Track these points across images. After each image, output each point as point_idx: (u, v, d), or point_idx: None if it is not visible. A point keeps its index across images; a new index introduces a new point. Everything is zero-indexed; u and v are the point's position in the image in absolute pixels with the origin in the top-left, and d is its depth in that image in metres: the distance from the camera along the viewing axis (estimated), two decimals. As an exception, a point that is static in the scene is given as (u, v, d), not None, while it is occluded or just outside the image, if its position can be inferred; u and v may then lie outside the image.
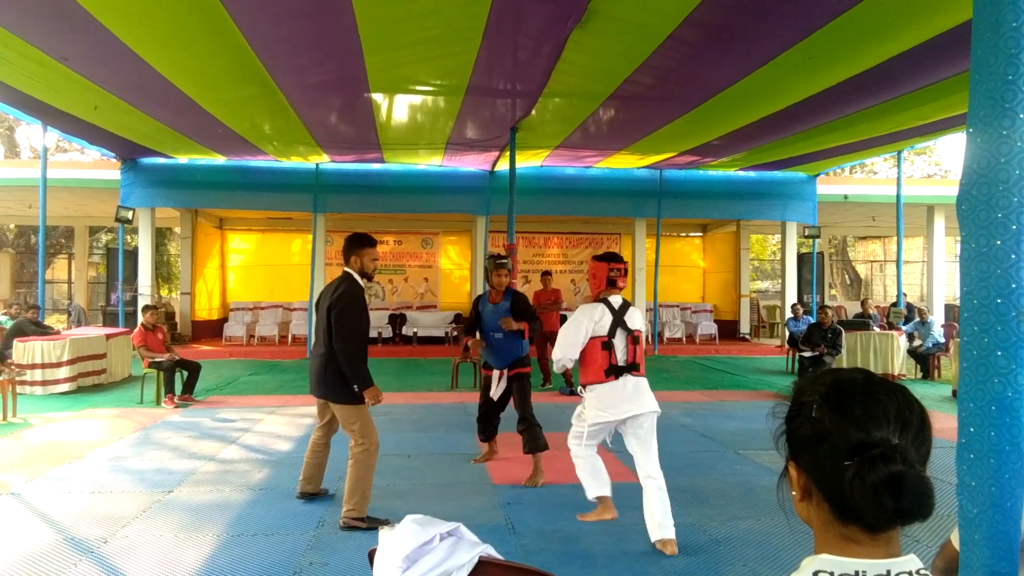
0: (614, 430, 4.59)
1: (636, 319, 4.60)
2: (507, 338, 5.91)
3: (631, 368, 4.47)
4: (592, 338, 4.46)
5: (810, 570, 0.97)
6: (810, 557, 0.99)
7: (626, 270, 4.65)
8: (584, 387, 4.55)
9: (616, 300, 4.58)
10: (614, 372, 4.42)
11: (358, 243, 4.82)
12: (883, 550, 0.97)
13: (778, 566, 4.04)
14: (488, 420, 6.18)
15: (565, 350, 4.50)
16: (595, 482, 4.64)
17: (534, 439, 5.70)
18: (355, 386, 4.59)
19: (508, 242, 11.14)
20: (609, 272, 4.53)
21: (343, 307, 4.62)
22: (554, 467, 6.15)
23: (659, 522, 4.25)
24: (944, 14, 6.16)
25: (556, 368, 4.72)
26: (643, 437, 4.40)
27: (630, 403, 4.40)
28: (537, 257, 19.36)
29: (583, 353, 4.49)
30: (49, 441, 7.15)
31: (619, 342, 4.48)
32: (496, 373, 5.97)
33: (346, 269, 4.82)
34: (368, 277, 4.83)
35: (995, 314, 1.70)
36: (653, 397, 4.50)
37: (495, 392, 5.94)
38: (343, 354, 4.57)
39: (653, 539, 4.26)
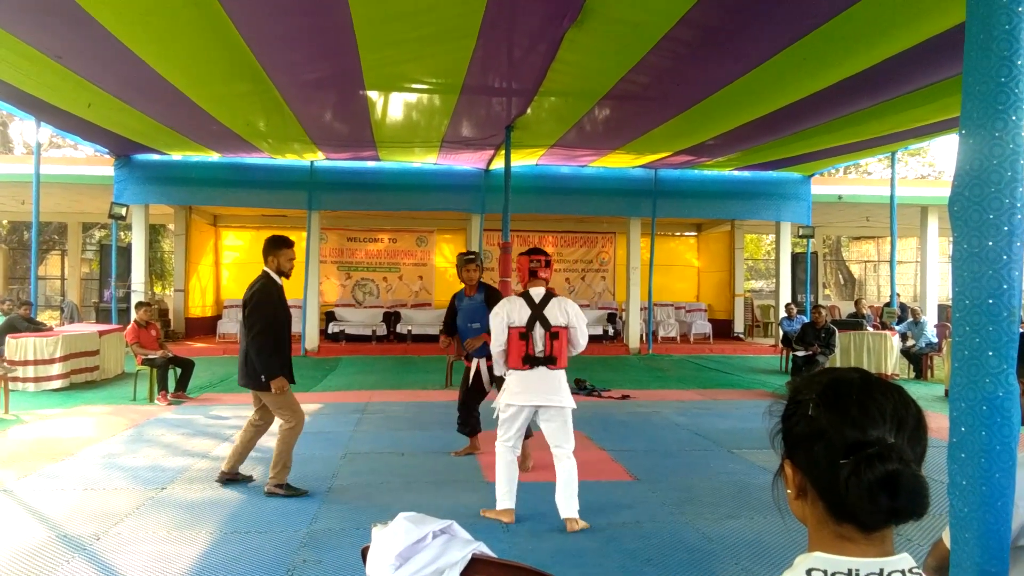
0: (529, 417, 4.77)
1: (557, 314, 4.72)
2: (483, 329, 6.03)
3: (547, 361, 4.66)
4: (511, 328, 4.68)
5: (803, 568, 0.97)
6: (804, 555, 1.00)
7: (547, 262, 4.91)
8: (507, 370, 4.80)
9: (538, 293, 4.76)
10: (529, 362, 4.64)
11: (275, 245, 5.38)
12: (877, 549, 0.97)
13: (771, 564, 4.06)
14: (469, 410, 6.46)
15: (495, 337, 4.79)
16: (508, 491, 4.74)
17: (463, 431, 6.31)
18: (262, 376, 5.04)
19: (503, 240, 11.14)
20: (530, 263, 4.80)
21: (255, 303, 5.13)
22: (547, 466, 6.15)
23: (564, 502, 4.58)
24: (937, 17, 6.17)
25: (493, 352, 4.90)
26: (554, 429, 4.68)
27: (540, 394, 4.64)
28: (532, 256, 19.35)
29: (508, 340, 4.72)
30: (42, 438, 7.13)
31: (537, 334, 4.67)
32: (475, 363, 6.33)
33: (264, 268, 5.34)
34: (284, 275, 5.37)
35: (987, 314, 1.72)
36: (568, 393, 4.72)
37: (483, 381, 6.29)
38: (252, 346, 5.05)
39: (563, 515, 4.58)
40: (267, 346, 5.06)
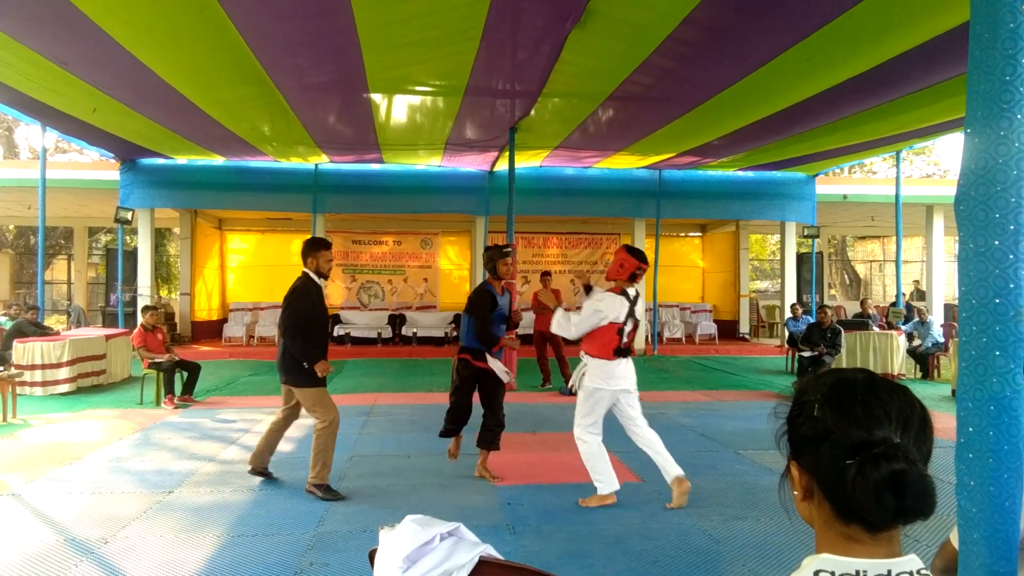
0: (612, 401, 5.15)
1: (641, 311, 5.25)
2: (505, 332, 6.00)
3: (629, 351, 5.19)
4: (610, 323, 5.06)
5: (811, 569, 0.97)
6: (811, 556, 1.00)
7: (645, 271, 5.30)
8: (589, 357, 5.12)
9: (632, 291, 5.21)
10: (619, 353, 5.08)
11: (314, 246, 5.49)
12: (884, 550, 0.97)
13: (778, 566, 4.05)
14: (460, 423, 5.96)
15: (575, 332, 5.12)
16: (607, 472, 5.11)
17: (497, 439, 5.84)
18: (304, 364, 5.21)
19: (508, 242, 11.15)
20: (636, 269, 5.17)
21: (292, 299, 5.31)
22: (554, 467, 6.16)
23: (670, 462, 5.05)
24: (942, 16, 6.16)
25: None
26: (634, 408, 5.18)
27: (623, 379, 5.11)
28: (536, 257, 19.36)
29: (602, 332, 5.06)
30: (49, 442, 7.15)
31: (627, 328, 5.13)
32: (492, 360, 5.73)
33: (304, 269, 5.46)
34: (323, 276, 5.48)
35: (993, 314, 1.71)
36: (635, 377, 5.26)
37: (507, 375, 5.83)
38: (289, 337, 5.22)
39: (671, 477, 5.05)
40: (301, 337, 5.21)
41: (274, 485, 5.67)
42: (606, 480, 5.09)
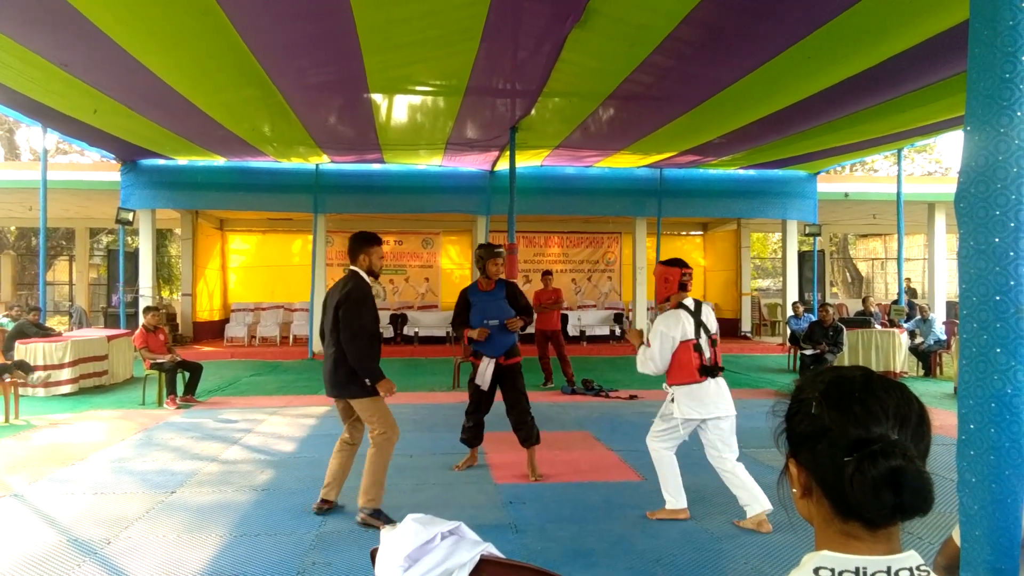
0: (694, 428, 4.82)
1: (712, 320, 4.85)
2: (501, 328, 5.84)
3: (718, 369, 4.73)
4: (683, 341, 4.67)
5: (811, 567, 0.98)
6: (811, 554, 1.00)
7: (691, 274, 4.93)
8: (673, 386, 4.74)
9: (690, 302, 4.82)
10: (705, 372, 4.66)
11: (366, 241, 4.82)
12: (884, 546, 0.97)
13: (780, 563, 4.05)
14: (478, 415, 6.05)
15: (658, 364, 4.70)
16: (677, 487, 4.83)
17: (534, 430, 5.85)
18: (366, 380, 4.60)
19: (508, 241, 11.15)
20: (682, 277, 4.82)
21: (351, 304, 4.63)
22: (557, 466, 6.16)
23: (754, 496, 4.57)
24: (943, 13, 6.15)
25: (639, 367, 4.85)
26: (725, 437, 4.72)
27: (715, 404, 4.67)
28: (538, 257, 19.37)
29: (675, 355, 4.68)
30: (52, 443, 7.17)
31: (703, 343, 4.72)
32: (486, 361, 5.86)
33: (353, 268, 4.81)
34: (375, 275, 4.85)
35: (994, 311, 1.71)
36: (731, 399, 4.78)
37: (484, 379, 5.84)
38: (352, 350, 4.58)
39: (753, 513, 4.57)
40: (365, 349, 4.61)
41: (275, 485, 5.67)
42: (675, 495, 4.83)
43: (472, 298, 5.96)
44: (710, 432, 4.73)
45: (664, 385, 4.85)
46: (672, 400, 4.75)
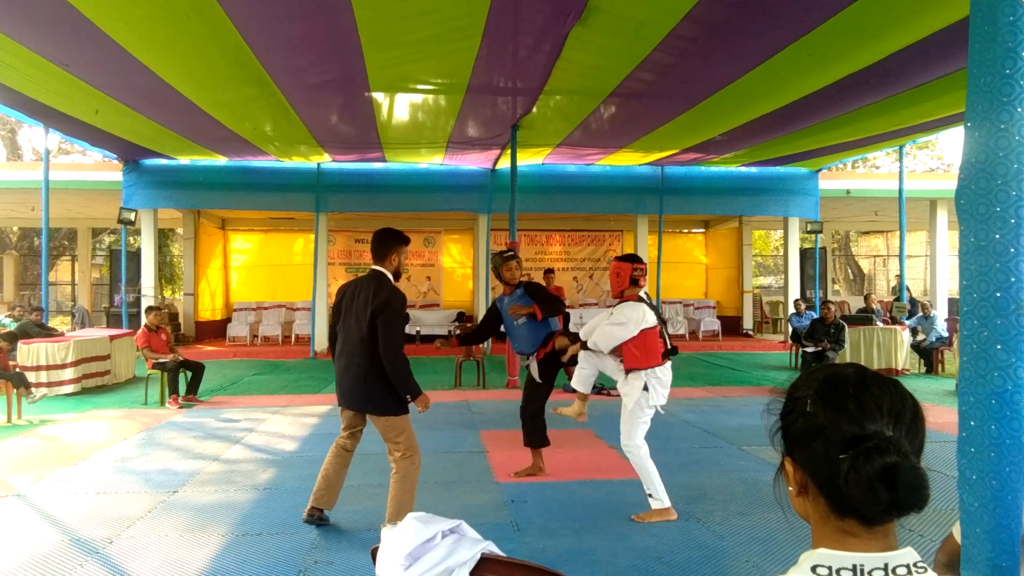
0: None
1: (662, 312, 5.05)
2: (527, 325, 5.77)
3: (675, 349, 5.03)
4: (648, 329, 4.83)
5: (808, 564, 0.98)
6: (808, 552, 1.00)
7: (645, 270, 5.07)
8: (643, 371, 4.81)
9: (644, 295, 5.03)
10: (668, 355, 4.93)
11: (398, 240, 4.46)
12: (880, 543, 0.97)
13: (782, 561, 4.04)
14: (535, 414, 5.84)
15: (607, 340, 4.84)
16: (663, 490, 4.81)
17: (535, 430, 5.79)
18: (407, 396, 4.29)
19: (510, 240, 11.15)
20: (633, 272, 4.98)
21: (392, 313, 4.21)
22: (558, 465, 6.16)
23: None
24: (944, 10, 6.14)
25: (583, 336, 5.01)
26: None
27: (668, 386, 4.95)
28: (539, 255, 19.36)
29: (644, 341, 4.82)
30: (54, 443, 7.18)
31: (662, 329, 4.98)
32: (531, 360, 5.86)
33: (379, 268, 4.40)
34: (398, 277, 4.47)
35: (994, 308, 1.71)
36: None
37: (535, 374, 5.80)
38: (396, 364, 4.21)
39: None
40: (406, 362, 4.27)
41: (277, 485, 5.68)
42: (662, 494, 4.80)
43: (500, 305, 5.97)
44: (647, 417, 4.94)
45: (622, 376, 4.90)
46: (645, 388, 4.80)
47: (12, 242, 27.21)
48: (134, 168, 14.06)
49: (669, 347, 4.95)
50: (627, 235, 19.29)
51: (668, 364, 4.93)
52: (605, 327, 4.89)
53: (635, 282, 4.99)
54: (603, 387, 10.30)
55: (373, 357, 4.22)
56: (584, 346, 5.12)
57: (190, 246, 17.61)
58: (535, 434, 5.80)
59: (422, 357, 15.05)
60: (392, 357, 4.20)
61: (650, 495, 4.78)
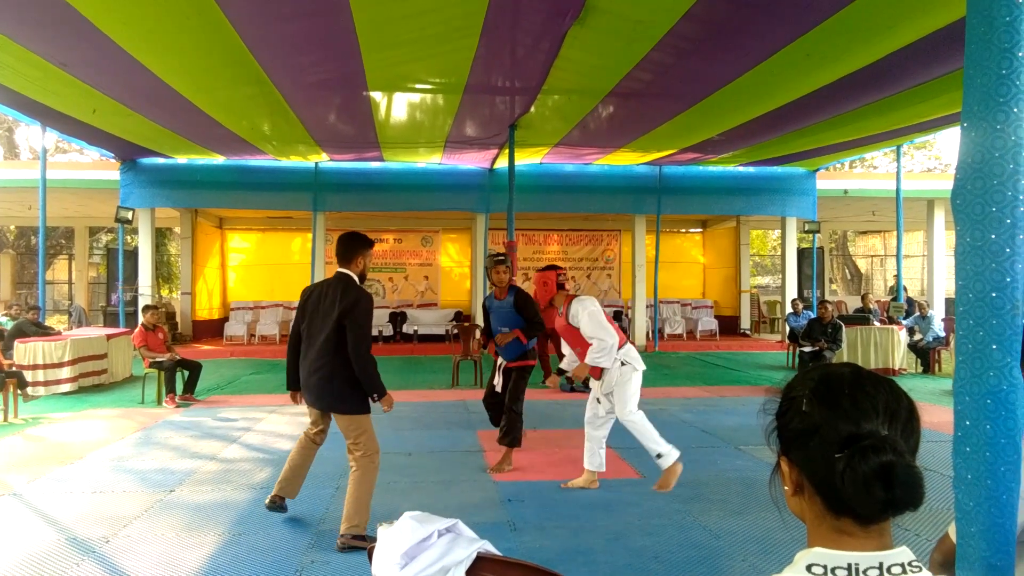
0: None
1: None
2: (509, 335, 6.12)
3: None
4: (611, 319, 5.35)
5: (803, 563, 0.98)
6: (804, 551, 1.00)
7: (566, 274, 5.74)
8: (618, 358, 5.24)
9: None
10: (626, 334, 5.46)
11: (364, 244, 4.52)
12: (876, 542, 0.97)
13: (778, 561, 4.05)
14: (490, 407, 6.39)
15: (609, 343, 5.16)
16: (663, 439, 5.21)
17: (512, 431, 5.96)
18: (374, 395, 4.35)
19: (508, 239, 11.15)
20: (558, 278, 5.58)
21: (361, 314, 4.30)
22: (555, 464, 6.16)
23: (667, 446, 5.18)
24: (942, 10, 6.15)
25: (608, 357, 5.22)
26: None
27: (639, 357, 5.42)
28: (537, 254, 19.37)
29: (609, 327, 5.27)
30: (51, 441, 7.17)
31: None
32: (499, 362, 6.23)
33: (346, 271, 4.45)
34: (364, 279, 4.54)
35: (990, 308, 1.71)
36: None
37: (496, 381, 6.21)
38: (365, 364, 4.28)
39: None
40: (374, 365, 4.35)
41: (274, 483, 5.65)
42: (668, 449, 5.16)
43: (488, 306, 6.36)
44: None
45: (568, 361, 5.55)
46: (623, 364, 5.23)
47: (9, 241, 27.17)
48: (132, 167, 14.05)
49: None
50: (625, 234, 19.31)
51: (628, 343, 5.38)
52: (590, 337, 5.22)
53: (561, 286, 5.57)
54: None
55: (339, 357, 4.30)
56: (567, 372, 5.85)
57: (187, 245, 17.59)
58: (515, 433, 6.02)
59: (420, 357, 15.05)
60: (361, 357, 4.27)
61: (659, 456, 5.14)
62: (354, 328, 4.26)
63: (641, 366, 5.30)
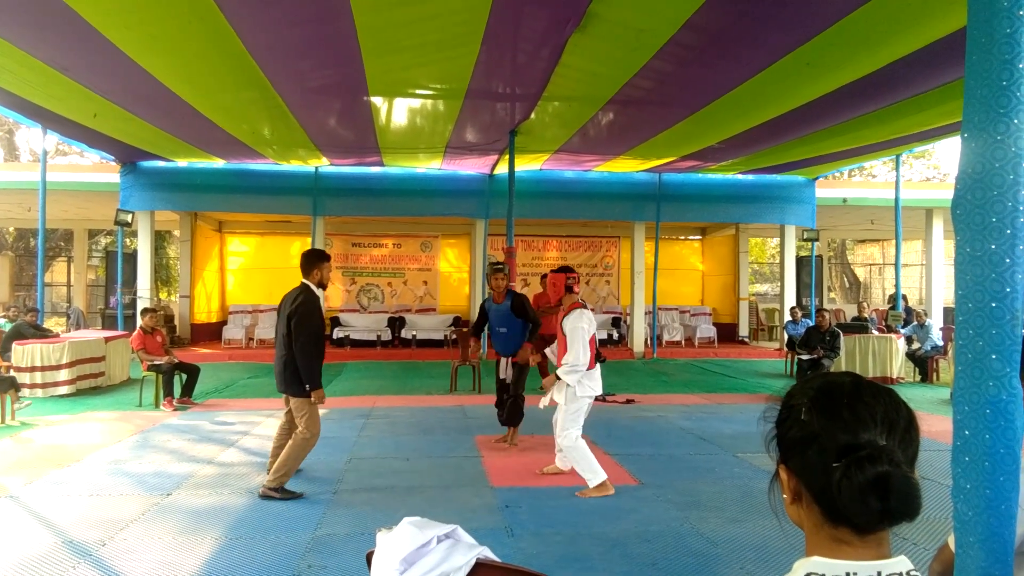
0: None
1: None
2: (508, 333, 6.93)
3: (603, 357, 5.81)
4: (592, 337, 5.58)
5: (801, 572, 0.98)
6: (802, 559, 1.00)
7: (578, 278, 5.78)
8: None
9: (582, 301, 5.74)
10: (599, 360, 5.68)
11: (319, 258, 5.53)
12: (873, 551, 0.98)
13: (776, 568, 4.04)
14: (501, 405, 7.12)
15: (583, 362, 5.45)
16: (597, 466, 5.45)
17: (515, 411, 6.90)
18: (306, 385, 5.26)
19: (507, 245, 11.16)
20: (567, 280, 5.67)
21: (303, 314, 5.30)
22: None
23: (594, 469, 5.46)
24: (941, 20, 6.17)
25: (574, 375, 5.53)
26: (585, 413, 5.70)
27: (599, 384, 5.72)
28: (536, 260, 19.37)
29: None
30: (48, 444, 7.15)
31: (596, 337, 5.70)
32: (503, 360, 7.06)
33: (305, 281, 5.46)
34: (324, 287, 5.58)
35: (990, 318, 1.71)
36: None
37: (503, 373, 7.03)
38: (301, 355, 5.24)
39: (595, 484, 5.42)
40: (313, 357, 5.29)
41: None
42: (597, 473, 5.41)
43: (487, 307, 7.19)
44: (585, 410, 5.64)
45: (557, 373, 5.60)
46: (570, 385, 5.52)
47: (8, 243, 27.15)
48: (131, 170, 14.04)
49: (600, 357, 5.69)
50: (624, 241, 19.32)
51: (597, 366, 5.64)
52: (572, 340, 5.47)
53: (570, 289, 5.68)
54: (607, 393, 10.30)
55: (290, 350, 5.31)
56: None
57: (186, 248, 17.58)
58: (517, 415, 6.97)
59: (418, 362, 15.03)
60: (300, 348, 5.26)
61: (593, 473, 5.42)
62: (297, 325, 5.27)
63: (593, 393, 5.59)
